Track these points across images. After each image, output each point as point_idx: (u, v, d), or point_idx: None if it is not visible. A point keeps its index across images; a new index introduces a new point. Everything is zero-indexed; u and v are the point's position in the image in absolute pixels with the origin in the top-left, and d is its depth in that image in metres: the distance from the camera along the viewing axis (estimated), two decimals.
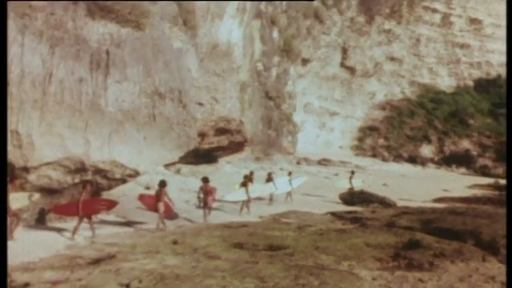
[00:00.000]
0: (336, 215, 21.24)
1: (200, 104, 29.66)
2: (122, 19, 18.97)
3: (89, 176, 17.14)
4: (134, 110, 18.96)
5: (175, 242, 13.54)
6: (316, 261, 11.87)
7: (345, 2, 66.00)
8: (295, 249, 12.97)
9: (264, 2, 43.76)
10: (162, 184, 16.59)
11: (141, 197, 17.86)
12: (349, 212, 22.14)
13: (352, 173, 30.28)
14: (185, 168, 30.73)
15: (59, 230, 14.70)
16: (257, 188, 23.51)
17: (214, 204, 19.99)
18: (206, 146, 33.25)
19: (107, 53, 18.19)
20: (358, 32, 69.50)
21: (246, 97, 38.23)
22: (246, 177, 22.61)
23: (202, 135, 31.22)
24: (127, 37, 19.15)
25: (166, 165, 26.77)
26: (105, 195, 18.13)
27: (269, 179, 24.95)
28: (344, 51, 67.30)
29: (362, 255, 12.71)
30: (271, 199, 24.55)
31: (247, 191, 21.57)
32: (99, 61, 17.84)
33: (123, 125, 18.33)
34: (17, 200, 13.73)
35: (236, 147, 37.41)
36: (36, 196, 15.03)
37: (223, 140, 34.92)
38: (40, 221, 15.45)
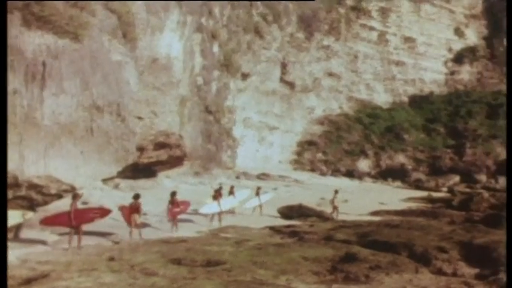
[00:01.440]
0: (274, 229, 21.39)
1: (139, 117, 29.33)
2: (60, 30, 18.62)
3: (22, 192, 16.69)
4: (71, 123, 18.65)
5: (111, 259, 13.31)
6: (254, 276, 11.91)
7: (285, 18, 66.96)
8: (233, 264, 12.96)
9: (204, 17, 43.88)
10: (137, 197, 17.68)
11: (122, 208, 18.05)
12: (287, 226, 22.35)
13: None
14: (123, 183, 30.23)
15: None
16: (227, 201, 25.18)
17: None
18: (145, 161, 32.83)
19: (43, 64, 17.80)
20: (298, 47, 70.56)
21: (186, 111, 38.04)
22: (216, 191, 24.36)
23: (141, 149, 30.83)
24: (64, 49, 18.81)
25: (104, 180, 26.30)
26: (40, 211, 17.66)
27: (231, 192, 26.22)
28: (284, 66, 68.07)
29: (299, 269, 12.83)
30: (233, 212, 25.80)
31: (219, 204, 23.25)
32: (34, 73, 17.44)
33: (59, 139, 17.98)
34: (11, 217, 13.47)
35: (175, 161, 37.12)
36: (30, 214, 14.76)
37: (163, 155, 34.57)
38: None
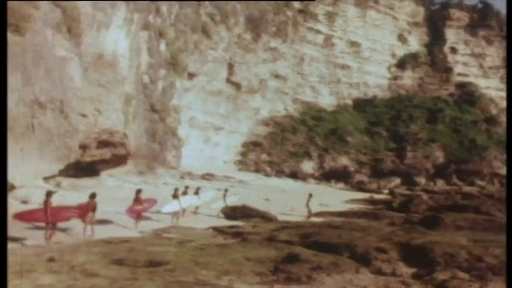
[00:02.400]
0: (217, 230, 21.38)
1: (83, 115, 28.80)
2: None
3: None
4: (12, 119, 18.08)
5: (51, 260, 12.97)
6: (197, 276, 11.88)
7: (233, 18, 66.96)
8: (175, 265, 12.85)
9: (152, 14, 43.43)
10: (93, 196, 17.93)
11: (79, 207, 17.96)
12: (231, 227, 22.38)
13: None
14: (65, 182, 29.54)
15: None
16: (187, 200, 25.69)
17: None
18: (88, 159, 32.24)
19: None
20: (245, 48, 70.73)
21: (131, 109, 37.51)
22: (176, 190, 24.77)
23: (84, 147, 30.28)
24: None
25: (46, 178, 25.65)
26: None
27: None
28: (230, 67, 68.10)
29: (242, 269, 12.85)
30: (196, 212, 26.32)
31: (180, 203, 23.79)
32: None
33: None
34: None
35: (119, 160, 36.60)
36: None
37: (106, 153, 34.03)
38: None
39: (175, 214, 23.71)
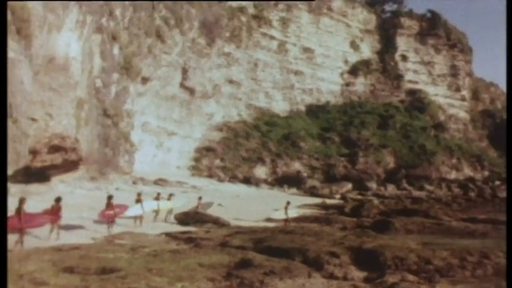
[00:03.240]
0: (170, 236, 21.29)
1: (33, 119, 28.13)
2: None
3: None
4: None
5: None
6: (149, 283, 11.78)
7: (187, 23, 66.70)
8: (128, 271, 12.69)
9: (105, 17, 42.87)
10: (58, 200, 18.71)
11: (45, 211, 18.51)
12: (184, 233, 22.30)
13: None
14: (14, 188, 28.73)
15: None
16: (150, 204, 26.54)
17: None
18: (38, 164, 31.49)
19: None
20: (199, 53, 70.54)
21: (83, 114, 36.85)
22: (139, 194, 25.52)
23: (34, 152, 29.59)
24: None
25: None
26: None
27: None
28: (184, 71, 67.75)
29: (195, 275, 12.80)
30: (156, 216, 26.28)
31: (142, 207, 24.53)
32: None
33: None
34: None
35: (71, 166, 35.90)
36: None
37: (57, 158, 33.31)
38: None
39: (137, 218, 24.46)
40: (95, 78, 41.78)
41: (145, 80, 57.21)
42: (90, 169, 40.13)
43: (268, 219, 32.33)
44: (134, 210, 24.41)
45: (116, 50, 46.76)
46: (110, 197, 22.22)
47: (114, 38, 45.93)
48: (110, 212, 21.61)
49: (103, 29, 42.50)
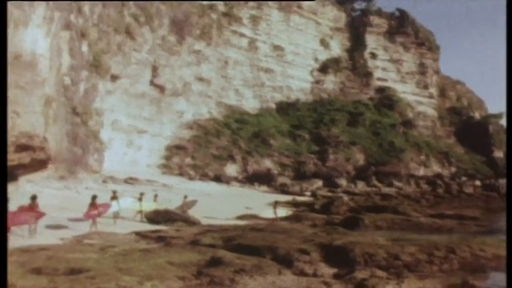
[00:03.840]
0: (140, 235, 21.16)
1: None
2: None
3: None
4: None
5: None
6: (119, 283, 11.71)
7: (157, 20, 66.25)
8: (97, 271, 12.56)
9: (73, 14, 42.31)
10: (34, 197, 18.96)
11: (21, 208, 18.52)
12: (154, 231, 22.18)
13: (114, 192, 30.25)
14: None
15: None
16: (126, 201, 27.53)
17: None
18: None
19: None
20: (169, 51, 70.12)
21: (51, 112, 36.29)
22: (114, 192, 26.55)
23: None
24: None
25: None
26: None
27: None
28: (154, 69, 67.25)
29: (165, 274, 12.80)
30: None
31: (118, 204, 25.30)
32: None
33: None
34: None
35: (39, 165, 35.28)
36: None
37: (25, 157, 32.68)
38: None
39: (113, 216, 25.02)
40: (64, 75, 41.18)
41: (114, 78, 56.65)
42: (59, 168, 39.54)
43: (240, 217, 32.34)
44: (112, 207, 25.03)
45: (84, 47, 46.16)
46: (94, 197, 22.91)
47: (83, 35, 45.33)
48: (95, 211, 22.26)
49: (71, 26, 41.91)
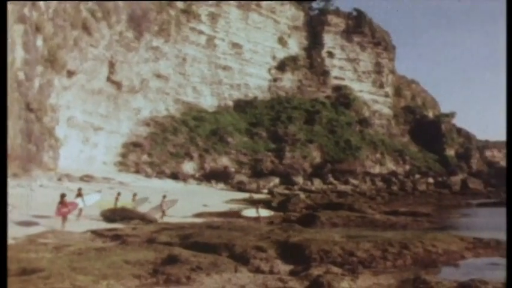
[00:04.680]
0: (96, 233, 20.90)
1: None
2: None
3: None
4: None
5: None
6: (73, 282, 11.52)
7: (115, 16, 65.35)
8: (51, 271, 12.24)
9: (27, 7, 41.39)
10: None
11: None
12: (110, 230, 21.94)
13: (79, 189, 30.11)
14: None
15: None
16: (91, 198, 28.07)
17: None
18: None
19: None
20: (127, 47, 69.32)
21: None
22: (79, 189, 26.78)
23: None
24: None
25: None
26: None
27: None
28: (111, 65, 66.39)
29: (121, 273, 12.65)
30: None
31: (83, 200, 25.86)
32: None
33: None
34: None
35: None
36: None
37: None
38: None
39: (80, 211, 25.65)
40: (17, 70, 40.25)
41: (70, 74, 55.64)
42: (12, 165, 38.69)
43: (197, 215, 32.32)
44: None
45: (39, 42, 45.18)
46: (63, 195, 23.12)
47: (37, 29, 44.34)
48: (65, 209, 22.67)
49: (25, 19, 41.00)
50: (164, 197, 31.18)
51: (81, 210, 25.81)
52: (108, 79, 66.36)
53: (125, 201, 29.73)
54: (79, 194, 26.02)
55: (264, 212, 33.50)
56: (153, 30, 76.42)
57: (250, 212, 33.47)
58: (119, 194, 29.79)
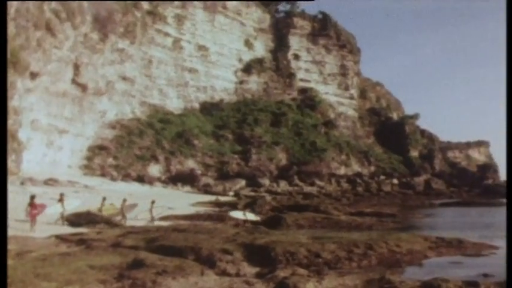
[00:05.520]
0: (60, 238, 20.64)
1: None
2: None
3: None
4: None
5: None
6: None
7: (79, 16, 64.46)
8: (12, 278, 11.94)
9: None
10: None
11: None
12: (75, 234, 21.70)
13: (61, 195, 28.92)
14: None
15: None
16: (71, 202, 28.65)
17: None
18: None
19: None
20: (92, 48, 68.46)
21: None
22: (61, 194, 27.27)
23: None
24: None
25: None
26: None
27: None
28: (76, 67, 65.40)
29: (86, 278, 12.56)
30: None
31: (63, 205, 26.23)
32: None
33: None
34: None
35: None
36: None
37: None
38: None
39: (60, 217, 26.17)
40: None
41: (34, 76, 54.70)
42: None
43: (162, 218, 32.17)
44: (55, 208, 26.44)
45: None
46: (32, 197, 23.41)
47: None
48: (34, 211, 22.86)
49: None
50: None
51: (62, 214, 26.15)
52: (73, 81, 65.37)
53: (111, 207, 29.87)
54: (60, 199, 26.45)
55: (251, 216, 33.53)
56: (119, 31, 75.66)
57: (237, 214, 33.55)
58: (104, 199, 29.83)
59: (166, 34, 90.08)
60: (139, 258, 14.85)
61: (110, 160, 70.88)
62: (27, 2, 50.38)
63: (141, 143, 76.43)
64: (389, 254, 18.26)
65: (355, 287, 13.25)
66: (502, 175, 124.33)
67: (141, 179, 69.41)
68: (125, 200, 30.94)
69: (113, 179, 66.07)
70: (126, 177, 68.82)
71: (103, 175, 66.81)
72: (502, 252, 20.71)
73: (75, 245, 19.05)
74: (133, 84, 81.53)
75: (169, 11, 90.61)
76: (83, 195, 36.76)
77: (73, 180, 53.73)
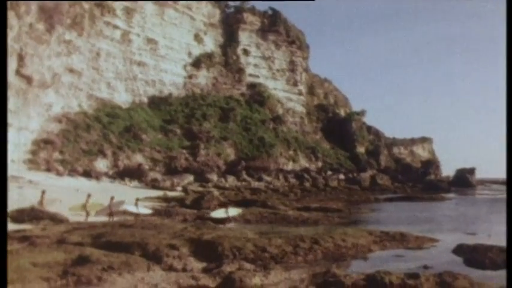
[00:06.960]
0: None
1: None
2: None
3: None
4: None
5: None
6: None
7: (24, 6, 62.74)
8: None
9: None
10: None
11: None
12: (17, 231, 21.26)
13: (43, 191, 29.54)
14: None
15: None
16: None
17: None
18: None
19: None
20: (37, 39, 66.72)
21: None
22: (43, 191, 28.57)
23: None
24: None
25: None
26: None
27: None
28: (21, 58, 63.64)
29: (28, 276, 12.36)
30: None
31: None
32: None
33: None
34: None
35: None
36: None
37: None
38: None
39: None
40: None
41: None
42: None
43: (109, 214, 31.86)
44: None
45: None
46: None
47: None
48: None
49: None
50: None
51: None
52: (17, 73, 63.57)
53: (96, 203, 29.89)
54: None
55: (233, 211, 33.17)
56: (66, 23, 73.99)
57: (219, 213, 32.94)
58: (89, 195, 29.75)
59: (115, 27, 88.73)
60: (85, 254, 14.73)
61: (56, 155, 69.39)
62: None
63: (88, 137, 75.12)
64: (334, 248, 18.72)
65: (301, 281, 13.54)
66: (444, 170, 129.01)
67: (87, 174, 68.28)
68: (112, 198, 30.89)
69: (59, 173, 64.72)
70: (73, 172, 67.52)
71: (48, 170, 65.33)
72: (442, 245, 21.70)
73: (18, 242, 18.63)
74: (81, 77, 80.00)
75: (119, 3, 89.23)
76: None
77: (17, 175, 52.38)
